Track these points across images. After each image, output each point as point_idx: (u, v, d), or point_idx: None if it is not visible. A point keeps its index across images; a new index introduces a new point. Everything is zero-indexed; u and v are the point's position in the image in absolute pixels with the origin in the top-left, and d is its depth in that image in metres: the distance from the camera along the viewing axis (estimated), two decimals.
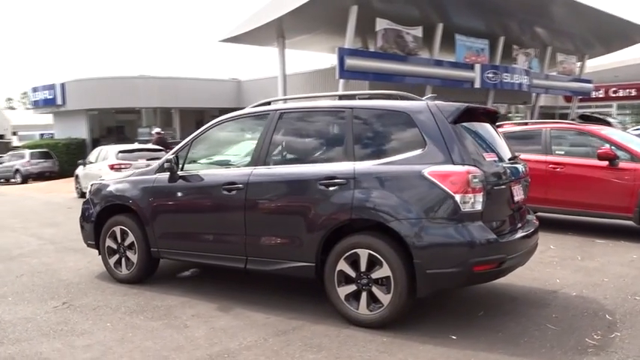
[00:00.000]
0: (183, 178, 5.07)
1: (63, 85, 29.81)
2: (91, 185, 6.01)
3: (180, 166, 5.14)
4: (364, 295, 4.09)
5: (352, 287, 4.13)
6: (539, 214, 7.50)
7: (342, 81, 20.62)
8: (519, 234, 4.25)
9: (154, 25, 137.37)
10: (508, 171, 4.27)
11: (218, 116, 5.29)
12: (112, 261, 5.63)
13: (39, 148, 28.51)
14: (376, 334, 3.99)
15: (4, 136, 55.45)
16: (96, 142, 29.74)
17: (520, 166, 4.54)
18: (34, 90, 32.28)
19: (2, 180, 26.61)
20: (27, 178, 25.77)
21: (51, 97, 30.55)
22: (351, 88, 22.94)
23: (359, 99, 4.81)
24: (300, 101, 4.94)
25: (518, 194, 4.41)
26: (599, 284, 5.22)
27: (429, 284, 3.89)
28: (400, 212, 3.91)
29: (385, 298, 4.00)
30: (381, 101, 4.56)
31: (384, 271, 3.98)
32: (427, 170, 3.86)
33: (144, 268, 5.43)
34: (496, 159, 4.24)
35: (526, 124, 9.62)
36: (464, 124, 4.18)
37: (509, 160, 4.50)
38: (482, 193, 3.85)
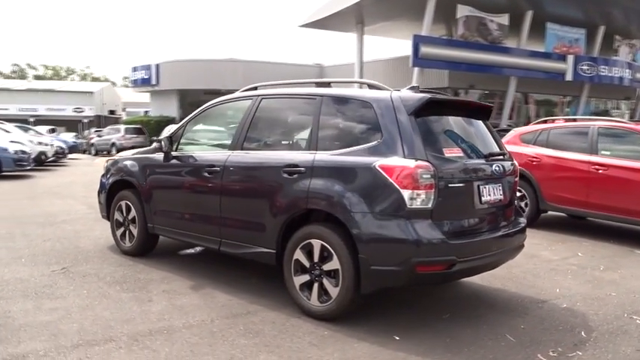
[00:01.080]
0: (175, 158, 5.25)
1: (157, 66, 31.63)
2: (107, 161, 6.38)
3: (175, 146, 5.31)
4: (316, 286, 4.03)
5: (306, 277, 4.08)
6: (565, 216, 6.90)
7: (416, 69, 20.15)
8: (485, 236, 3.96)
9: (245, 8, 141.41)
10: (474, 168, 3.97)
11: None
12: (118, 233, 5.97)
13: (133, 125, 30.56)
14: (321, 326, 3.92)
15: (115, 112, 60.01)
16: None
17: (500, 165, 4.19)
18: (134, 69, 34.52)
19: (104, 152, 28.79)
20: (120, 151, 27.72)
21: (147, 77, 32.58)
22: (428, 78, 22.37)
23: (333, 87, 4.69)
24: (288, 87, 4.89)
25: (493, 194, 4.10)
26: (601, 298, 4.75)
27: (373, 281, 3.74)
28: (349, 205, 3.80)
29: (334, 291, 3.92)
30: (349, 90, 4.42)
31: (333, 264, 3.89)
32: (378, 163, 3.70)
33: (142, 243, 5.69)
34: (461, 155, 3.95)
35: (575, 120, 8.87)
36: (432, 117, 3.96)
37: (490, 157, 4.18)
38: (432, 190, 3.63)
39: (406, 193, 3.59)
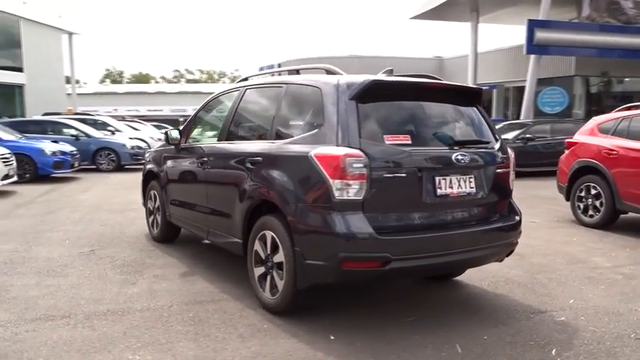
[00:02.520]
0: (183, 149, 5.45)
1: (280, 65, 32.91)
2: (147, 152, 6.82)
3: (185, 139, 5.51)
4: (268, 278, 3.94)
5: (262, 269, 4.01)
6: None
7: (532, 57, 18.59)
8: (440, 232, 3.55)
9: (365, 2, 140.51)
10: (425, 157, 3.55)
11: None
12: (149, 221, 6.37)
13: None
14: (267, 319, 3.83)
15: None
16: None
17: (468, 154, 3.68)
18: (260, 69, 36.38)
19: None
20: None
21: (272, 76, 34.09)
22: (552, 65, 20.52)
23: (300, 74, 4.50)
24: (269, 77, 4.82)
25: (456, 186, 3.65)
26: (620, 314, 4.01)
27: (306, 276, 3.55)
28: (288, 195, 3.65)
29: (280, 285, 3.80)
30: (307, 76, 4.21)
31: (279, 256, 3.77)
32: (313, 152, 3.49)
33: (164, 230, 6.01)
34: (408, 142, 3.55)
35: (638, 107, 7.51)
36: (382, 101, 3.64)
37: (457, 144, 3.72)
38: (363, 181, 3.33)
39: (334, 184, 3.34)
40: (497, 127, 15.37)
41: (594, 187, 7.19)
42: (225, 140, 4.72)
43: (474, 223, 3.76)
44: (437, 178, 3.57)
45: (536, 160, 13.45)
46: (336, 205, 3.35)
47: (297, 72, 4.47)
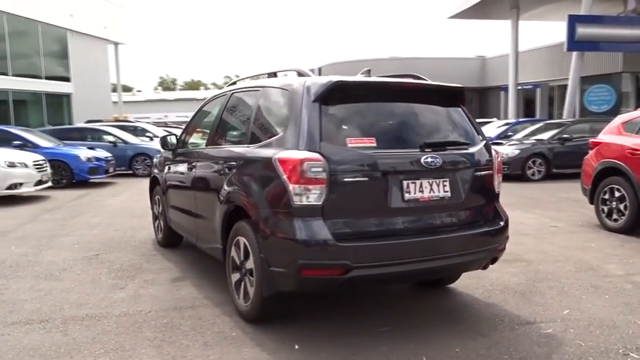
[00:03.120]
0: (179, 155, 5.48)
1: (320, 70, 32.96)
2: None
3: (181, 144, 5.54)
4: (242, 284, 3.88)
5: (238, 275, 3.95)
6: None
7: (574, 55, 17.82)
8: (408, 239, 3.38)
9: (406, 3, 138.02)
10: (391, 161, 3.39)
11: None
12: (155, 225, 6.45)
13: None
14: (238, 327, 3.77)
15: None
16: None
17: (439, 156, 3.48)
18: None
19: None
20: None
21: None
22: (598, 62, 19.64)
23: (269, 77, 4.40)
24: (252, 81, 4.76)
25: (428, 190, 3.47)
26: (616, 327, 3.71)
27: (270, 283, 3.47)
28: (256, 200, 3.58)
29: (251, 292, 3.73)
30: (280, 79, 4.12)
31: (250, 263, 3.70)
32: (277, 156, 3.41)
33: (166, 235, 6.06)
34: (372, 145, 3.39)
35: None
36: (348, 103, 3.52)
37: (428, 147, 3.52)
38: (322, 186, 3.22)
39: (293, 189, 3.24)
40: (535, 127, 14.82)
41: (618, 190, 6.76)
42: (211, 145, 4.71)
43: (449, 228, 3.57)
44: (405, 182, 3.41)
45: (573, 162, 12.80)
46: (295, 210, 3.25)
47: (275, 75, 4.39)
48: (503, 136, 15.69)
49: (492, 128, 17.11)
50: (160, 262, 5.59)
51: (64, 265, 5.51)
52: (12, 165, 10.31)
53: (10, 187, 10.20)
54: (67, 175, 13.03)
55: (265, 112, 4.00)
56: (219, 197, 4.14)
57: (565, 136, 13.29)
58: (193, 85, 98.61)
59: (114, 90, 32.52)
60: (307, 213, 3.24)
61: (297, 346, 3.43)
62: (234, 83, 5.08)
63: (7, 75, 21.27)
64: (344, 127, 3.47)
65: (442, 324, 3.81)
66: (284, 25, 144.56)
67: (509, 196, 10.42)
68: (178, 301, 4.34)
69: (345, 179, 3.26)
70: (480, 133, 3.92)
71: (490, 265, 3.89)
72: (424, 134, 3.66)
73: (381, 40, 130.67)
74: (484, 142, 3.87)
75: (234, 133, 4.51)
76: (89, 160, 13.32)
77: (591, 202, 7.29)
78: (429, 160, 3.44)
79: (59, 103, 23.32)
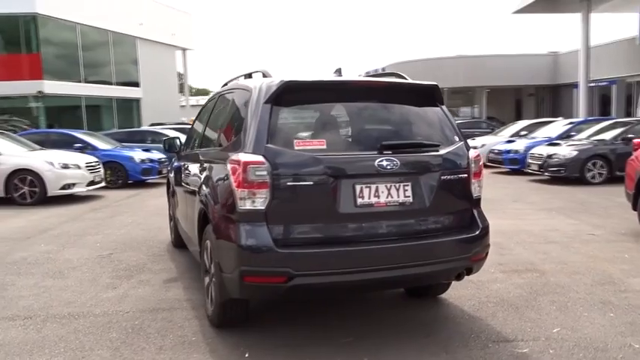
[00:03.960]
0: (182, 157, 5.55)
1: (383, 70, 32.59)
2: None
3: (185, 146, 5.61)
4: (209, 289, 3.84)
5: (207, 279, 3.93)
6: None
7: None
8: (360, 246, 3.18)
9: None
10: (340, 163, 3.20)
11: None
12: (170, 226, 6.59)
13: None
14: (201, 332, 3.75)
15: None
16: None
17: (395, 159, 3.24)
18: (366, 74, 36.21)
19: None
20: None
21: None
22: None
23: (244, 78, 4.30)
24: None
25: (385, 195, 3.25)
26: (601, 348, 3.33)
27: (222, 289, 3.40)
28: (214, 204, 3.54)
29: (215, 297, 3.69)
30: (246, 80, 4.01)
31: (212, 268, 3.66)
32: (229, 159, 3.34)
33: (177, 236, 6.15)
34: (322, 147, 3.22)
35: None
36: (302, 104, 3.38)
37: (386, 149, 3.30)
38: (265, 190, 3.10)
39: (238, 193, 3.16)
40: (599, 126, 13.79)
41: None
42: (198, 147, 4.72)
43: (410, 236, 3.34)
44: (358, 187, 3.22)
45: None
46: (240, 215, 3.17)
47: (250, 75, 4.32)
48: (565, 136, 14.72)
49: (555, 128, 16.10)
50: (164, 262, 5.68)
51: (76, 263, 5.73)
52: (65, 167, 10.92)
53: (63, 187, 10.80)
54: (122, 176, 13.64)
55: (231, 114, 3.95)
56: (195, 200, 4.14)
57: (630, 135, 12.24)
58: None
59: (192, 94, 33.77)
60: (251, 218, 3.14)
61: (247, 355, 3.34)
62: (226, 84, 5.05)
63: (81, 82, 22.71)
64: (292, 128, 3.34)
65: (410, 337, 3.58)
66: (350, 26, 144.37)
67: (559, 200, 9.78)
68: (160, 303, 4.37)
69: (290, 183, 3.13)
70: (457, 134, 3.64)
71: (465, 276, 3.61)
72: (386, 136, 3.46)
73: (449, 38, 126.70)
74: (459, 143, 3.59)
75: (214, 134, 4.49)
76: (143, 161, 13.88)
77: (634, 209, 6.66)
78: (384, 163, 3.22)
79: (129, 108, 24.63)
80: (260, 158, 3.12)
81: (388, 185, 3.27)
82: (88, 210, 9.82)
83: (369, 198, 3.23)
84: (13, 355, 3.43)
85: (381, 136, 3.43)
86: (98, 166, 11.83)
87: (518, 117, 27.28)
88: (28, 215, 9.17)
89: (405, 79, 3.85)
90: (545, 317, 3.90)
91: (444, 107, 3.68)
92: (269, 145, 3.17)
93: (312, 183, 3.15)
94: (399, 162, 3.25)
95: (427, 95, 3.66)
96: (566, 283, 4.70)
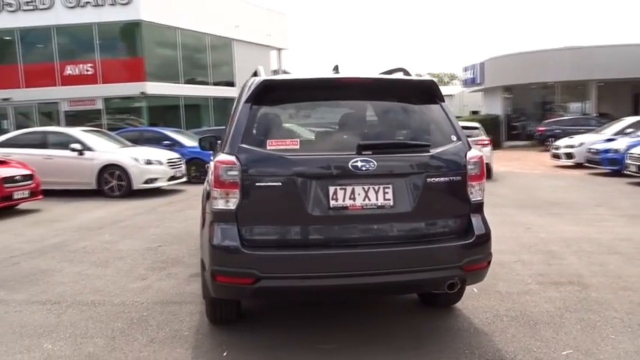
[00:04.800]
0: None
1: (482, 65, 31.24)
2: None
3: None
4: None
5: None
6: None
7: None
8: (332, 250, 3.05)
9: None
10: (311, 164, 3.07)
11: None
12: None
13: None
14: (194, 327, 3.84)
15: (479, 112, 61.65)
16: (510, 119, 30.16)
17: (378, 161, 3.06)
18: (465, 70, 34.93)
19: None
20: None
21: (472, 76, 32.60)
22: None
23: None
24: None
25: (361, 197, 3.08)
26: None
27: (205, 287, 3.45)
28: (202, 204, 3.60)
29: (205, 294, 3.74)
30: (250, 78, 3.96)
31: None
32: (215, 159, 3.37)
33: None
34: (295, 147, 3.11)
35: None
36: (282, 103, 3.32)
37: (366, 149, 3.12)
38: (236, 190, 3.07)
39: (213, 192, 3.18)
40: None
41: None
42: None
43: (389, 241, 3.14)
44: (332, 188, 3.09)
45: None
46: (214, 215, 3.19)
47: (255, 74, 4.29)
48: None
49: None
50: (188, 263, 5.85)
51: (124, 254, 6.09)
52: (149, 162, 11.65)
53: (146, 182, 11.54)
54: (205, 172, 14.30)
55: (230, 113, 3.96)
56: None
57: None
58: None
59: None
60: (223, 218, 3.14)
61: (225, 354, 3.35)
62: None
63: (179, 83, 24.13)
64: (268, 128, 3.27)
65: (399, 348, 3.39)
66: (447, 21, 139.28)
67: None
68: (175, 296, 4.52)
69: (260, 184, 3.08)
70: (456, 133, 3.37)
71: (459, 287, 3.32)
72: (368, 135, 3.29)
73: (553, 28, 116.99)
74: (456, 143, 3.33)
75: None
76: None
77: None
78: (359, 164, 3.06)
79: (224, 107, 25.66)
80: (232, 158, 3.11)
81: (366, 187, 3.11)
82: (164, 203, 10.39)
83: (344, 200, 3.10)
84: (24, 336, 3.72)
85: (362, 136, 3.27)
86: (180, 162, 12.49)
87: (636, 113, 24.83)
88: (110, 207, 9.89)
89: (409, 75, 3.65)
90: (562, 337, 3.52)
91: (443, 104, 3.43)
92: (242, 145, 3.15)
93: (280, 184, 3.07)
94: (375, 163, 3.08)
95: (423, 92, 3.43)
96: (608, 300, 4.20)
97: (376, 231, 3.15)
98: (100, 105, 22.58)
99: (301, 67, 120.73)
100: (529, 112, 30.37)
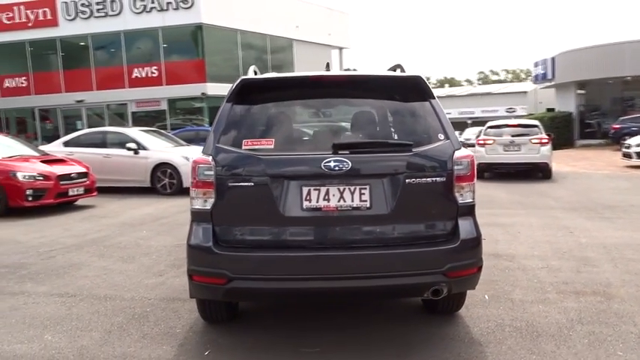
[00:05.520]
0: None
1: (553, 59, 29.78)
2: None
3: None
4: None
5: None
6: None
7: None
8: (304, 253, 2.98)
9: None
10: (282, 164, 3.01)
11: None
12: None
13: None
14: (189, 324, 3.88)
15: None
16: (584, 117, 28.55)
17: (353, 161, 2.95)
18: (535, 65, 33.42)
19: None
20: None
21: (543, 71, 31.12)
22: None
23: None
24: None
25: (336, 198, 2.99)
26: None
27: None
28: None
29: None
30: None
31: None
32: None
33: None
34: (269, 147, 3.04)
35: None
36: (262, 103, 3.28)
37: (342, 148, 3.01)
38: (211, 189, 3.07)
39: (191, 192, 3.20)
40: None
41: None
42: None
43: (364, 244, 3.03)
44: (305, 189, 3.01)
45: None
46: (192, 214, 3.21)
47: (255, 73, 4.27)
48: None
49: None
50: None
51: (153, 250, 6.28)
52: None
53: None
54: None
55: None
56: None
57: None
58: (447, 83, 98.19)
59: None
60: (200, 218, 3.16)
61: (207, 353, 3.37)
62: None
63: None
64: (245, 127, 3.23)
65: (380, 356, 3.26)
66: (513, 17, 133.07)
67: None
68: (183, 293, 4.56)
69: (233, 184, 3.06)
70: (445, 132, 3.20)
71: (444, 294, 3.13)
72: (345, 134, 3.18)
73: (633, 19, 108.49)
74: (442, 142, 3.15)
75: None
76: None
77: None
78: (332, 164, 2.97)
79: None
80: (208, 158, 3.12)
81: (341, 188, 3.02)
82: None
83: (317, 201, 3.02)
84: (32, 326, 3.90)
85: (342, 135, 3.18)
86: None
87: None
88: (159, 204, 10.26)
89: (404, 71, 3.50)
90: (563, 351, 3.26)
91: (433, 101, 3.26)
92: (218, 145, 3.15)
93: (253, 184, 3.04)
94: (350, 163, 2.97)
95: (410, 89, 3.27)
96: (630, 313, 3.86)
97: (351, 233, 3.05)
98: (164, 106, 23.53)
99: (363, 66, 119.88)
100: (605, 109, 28.65)
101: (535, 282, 4.64)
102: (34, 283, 5.01)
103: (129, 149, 11.87)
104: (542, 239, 6.27)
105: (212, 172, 3.09)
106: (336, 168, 2.97)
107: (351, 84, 3.33)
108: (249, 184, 3.05)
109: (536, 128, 13.41)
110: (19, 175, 9.09)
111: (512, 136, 13.09)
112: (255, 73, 3.68)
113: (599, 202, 9.09)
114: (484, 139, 13.39)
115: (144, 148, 12.01)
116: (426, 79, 3.26)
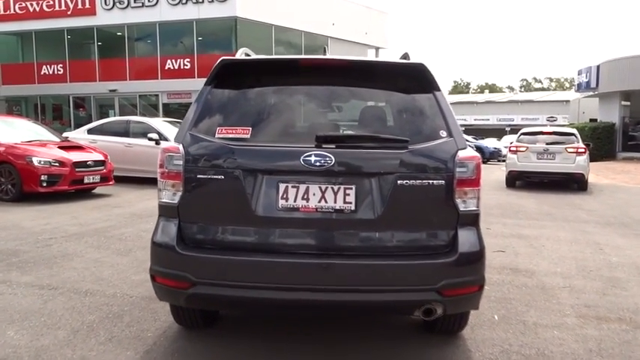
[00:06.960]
0: None
1: (598, 68, 28.60)
2: None
3: None
4: None
5: None
6: None
7: None
8: (275, 258, 2.61)
9: None
10: (257, 157, 2.65)
11: None
12: None
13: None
14: (162, 328, 3.58)
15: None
16: (626, 128, 27.30)
17: (337, 157, 2.57)
18: (579, 73, 32.18)
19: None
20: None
21: (586, 79, 29.94)
22: None
23: None
24: None
25: (320, 198, 2.61)
26: None
27: None
28: None
29: None
30: None
31: None
32: None
33: None
34: (245, 137, 2.69)
35: None
36: (245, 88, 2.93)
37: (327, 141, 2.65)
38: (179, 182, 2.74)
39: (159, 183, 2.88)
40: None
41: None
42: None
43: (345, 253, 2.64)
44: (282, 185, 2.65)
45: None
46: (159, 208, 2.89)
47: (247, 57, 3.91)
48: None
49: None
50: None
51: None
52: None
53: None
54: None
55: None
56: None
57: None
58: (488, 89, 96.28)
59: None
60: (167, 212, 2.84)
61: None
62: None
63: None
64: (221, 114, 2.88)
65: None
66: (557, 23, 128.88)
67: None
68: (144, 295, 4.29)
69: (202, 176, 2.73)
70: (448, 128, 2.78)
71: (437, 314, 2.71)
72: (332, 126, 2.80)
73: None
74: (445, 140, 2.73)
75: None
76: None
77: None
78: (312, 159, 2.59)
79: None
80: (176, 146, 2.80)
81: (323, 187, 2.64)
82: None
83: (295, 201, 2.65)
84: (2, 320, 3.65)
85: (329, 127, 2.80)
86: None
87: None
88: None
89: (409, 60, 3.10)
90: None
91: (437, 93, 2.84)
92: (190, 132, 2.82)
93: (223, 177, 2.69)
94: (333, 159, 2.59)
95: (412, 78, 2.86)
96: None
97: (332, 239, 2.67)
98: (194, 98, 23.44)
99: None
100: None
101: (554, 303, 4.17)
102: (20, 272, 4.80)
103: (150, 139, 11.70)
104: (568, 255, 5.75)
105: (181, 162, 2.76)
106: (317, 164, 2.60)
107: (345, 70, 2.94)
108: (220, 177, 2.70)
109: (572, 137, 12.68)
110: (35, 160, 9.01)
111: (547, 143, 12.42)
112: (248, 57, 3.33)
113: (636, 219, 8.44)
114: (516, 146, 12.75)
115: (165, 139, 11.83)
116: (429, 68, 2.84)
